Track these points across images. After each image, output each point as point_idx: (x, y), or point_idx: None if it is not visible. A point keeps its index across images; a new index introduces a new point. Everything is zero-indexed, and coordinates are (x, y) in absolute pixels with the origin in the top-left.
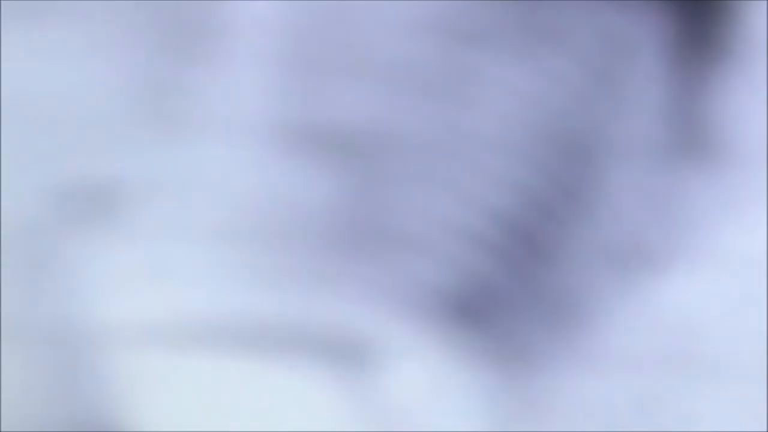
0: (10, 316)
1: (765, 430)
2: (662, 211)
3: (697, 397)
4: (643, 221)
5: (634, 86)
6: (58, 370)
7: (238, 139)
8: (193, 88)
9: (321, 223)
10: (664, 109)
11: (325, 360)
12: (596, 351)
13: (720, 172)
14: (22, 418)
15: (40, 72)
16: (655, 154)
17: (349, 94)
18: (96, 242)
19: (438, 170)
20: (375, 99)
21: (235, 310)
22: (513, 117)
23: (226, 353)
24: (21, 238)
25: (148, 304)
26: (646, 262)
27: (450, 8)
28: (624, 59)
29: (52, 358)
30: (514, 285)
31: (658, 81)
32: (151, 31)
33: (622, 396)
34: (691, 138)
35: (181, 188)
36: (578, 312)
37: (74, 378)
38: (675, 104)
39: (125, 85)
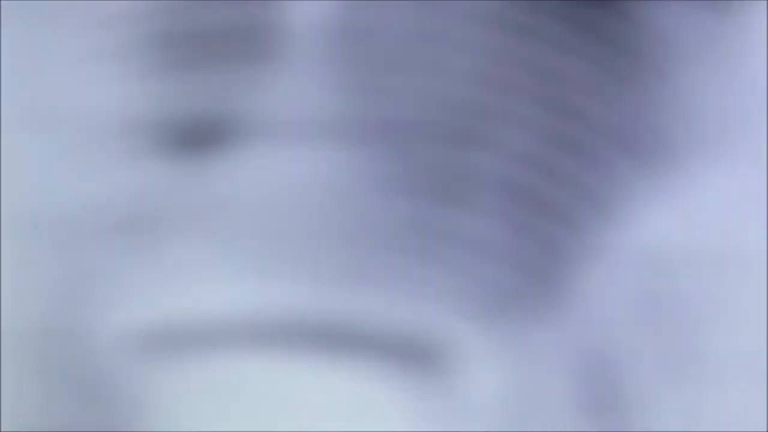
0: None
1: (765, 430)
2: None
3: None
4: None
5: (638, 85)
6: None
7: (299, 138)
8: (254, 88)
9: (382, 221)
10: (669, 108)
11: (388, 360)
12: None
13: (718, 173)
14: (27, 418)
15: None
16: (662, 152)
17: (408, 88)
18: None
19: (494, 163)
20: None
21: (294, 310)
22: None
23: (288, 354)
24: (46, 239)
25: (203, 303)
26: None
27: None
28: (627, 59)
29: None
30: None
31: (661, 80)
32: (214, 34)
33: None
34: (690, 137)
35: (236, 195)
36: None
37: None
38: (677, 103)
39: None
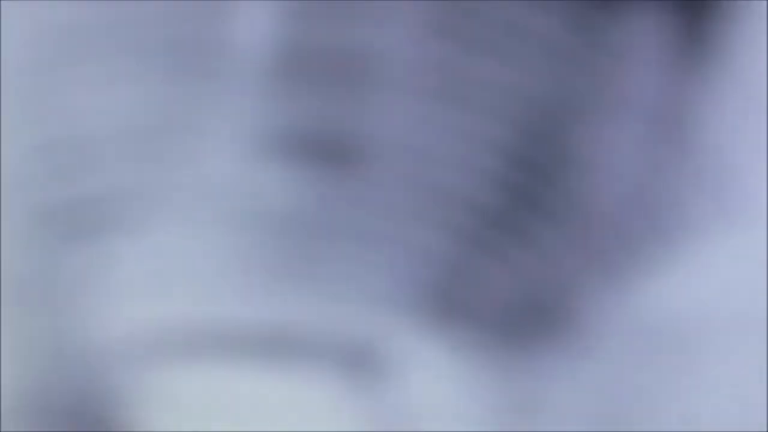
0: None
1: (765, 430)
2: (651, 213)
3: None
4: (633, 222)
5: (626, 86)
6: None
7: (238, 152)
8: (195, 104)
9: (312, 229)
10: (656, 111)
11: (328, 365)
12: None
13: (714, 175)
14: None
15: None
16: (642, 154)
17: (344, 103)
18: (100, 252)
19: (424, 172)
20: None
21: (232, 318)
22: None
23: (231, 362)
24: (24, 248)
25: (150, 314)
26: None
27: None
28: (617, 59)
29: (57, 366)
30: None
31: (651, 82)
32: (155, 49)
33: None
34: (682, 140)
35: (182, 199)
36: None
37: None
38: (668, 106)
39: (129, 102)
